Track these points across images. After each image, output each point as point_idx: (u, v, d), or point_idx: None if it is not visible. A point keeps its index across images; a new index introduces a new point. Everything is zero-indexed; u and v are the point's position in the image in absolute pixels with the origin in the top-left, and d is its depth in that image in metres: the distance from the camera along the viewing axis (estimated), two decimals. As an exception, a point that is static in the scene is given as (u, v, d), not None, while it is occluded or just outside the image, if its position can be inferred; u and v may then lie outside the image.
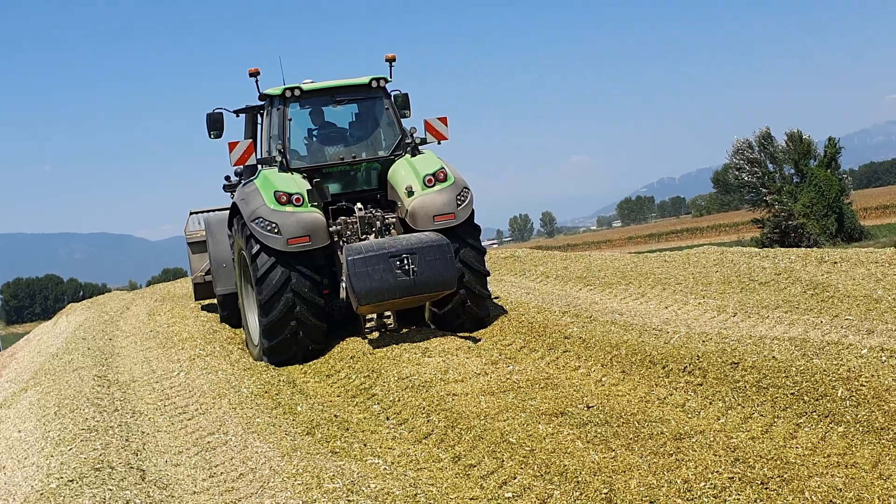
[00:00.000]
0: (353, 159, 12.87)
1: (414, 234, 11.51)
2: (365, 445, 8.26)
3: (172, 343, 13.85)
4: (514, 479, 6.93)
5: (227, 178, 14.61)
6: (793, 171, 56.41)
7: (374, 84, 12.89)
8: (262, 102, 13.58)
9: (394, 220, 12.46)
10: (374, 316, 12.37)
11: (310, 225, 11.74)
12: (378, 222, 12.33)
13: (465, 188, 12.28)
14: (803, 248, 17.22)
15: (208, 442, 8.61)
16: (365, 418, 9.25)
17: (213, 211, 16.74)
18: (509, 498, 6.60)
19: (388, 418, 9.18)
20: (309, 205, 11.91)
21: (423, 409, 9.02)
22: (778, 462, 6.38)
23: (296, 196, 11.83)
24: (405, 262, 10.91)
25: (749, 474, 6.21)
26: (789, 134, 56.74)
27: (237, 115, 14.20)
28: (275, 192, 11.80)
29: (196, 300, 17.55)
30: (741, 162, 57.69)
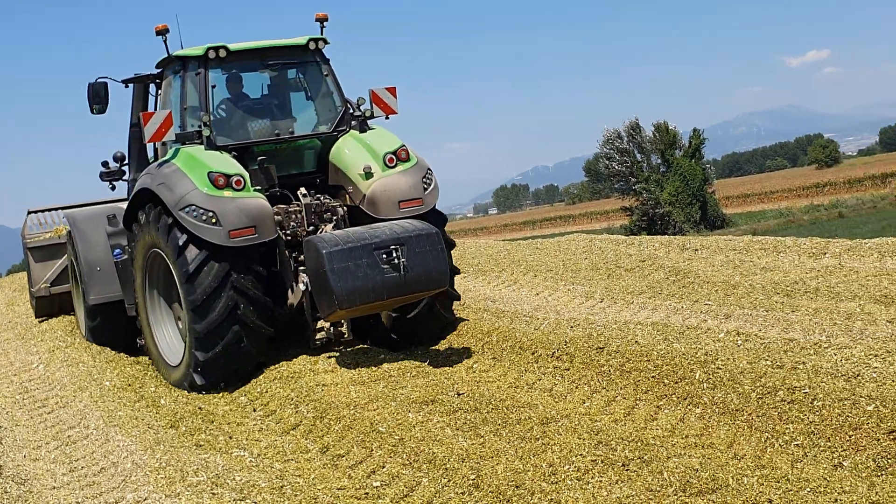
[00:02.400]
0: (290, 135, 10.76)
1: (395, 222, 9.57)
2: (230, 438, 8.13)
3: (31, 334, 13.39)
4: (383, 468, 6.93)
5: (105, 163, 11.98)
6: (660, 160, 58.05)
7: (313, 45, 10.82)
8: (158, 70, 11.31)
9: (342, 209, 10.55)
10: (326, 325, 10.28)
11: (255, 213, 9.63)
12: (330, 212, 10.46)
13: (429, 170, 10.50)
14: (667, 236, 17.76)
15: (69, 436, 8.40)
16: (231, 410, 9.10)
17: (57, 209, 14.93)
18: (377, 487, 6.60)
19: (254, 410, 9.06)
20: (251, 189, 9.86)
21: (292, 399, 8.93)
22: (638, 444, 6.55)
23: (236, 178, 9.69)
24: (393, 254, 8.95)
25: (611, 456, 6.36)
26: (656, 125, 58.37)
27: (126, 86, 11.71)
28: (209, 173, 9.62)
29: (37, 317, 14.47)
30: (611, 151, 59.08)
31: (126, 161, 11.89)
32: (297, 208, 10.38)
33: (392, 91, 10.82)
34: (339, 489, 6.68)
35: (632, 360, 8.24)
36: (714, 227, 53.34)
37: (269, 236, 9.75)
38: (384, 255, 8.92)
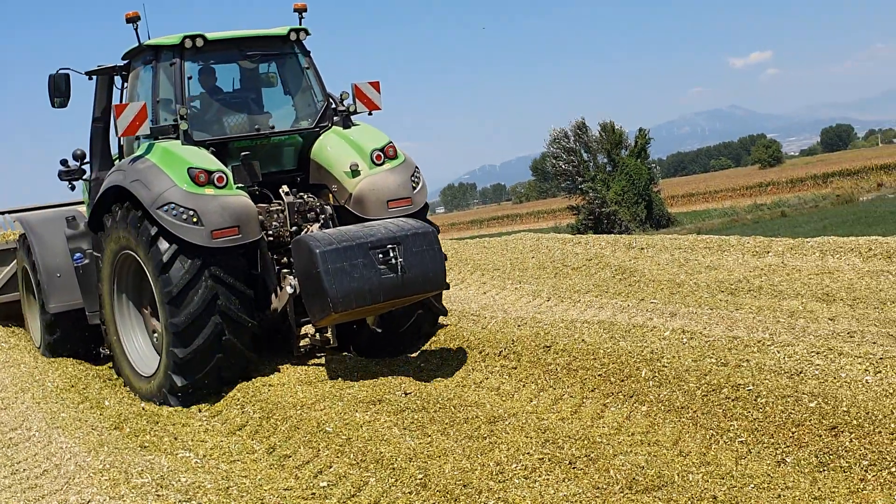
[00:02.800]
0: (270, 131, 10.08)
1: (389, 220, 9.08)
2: (176, 439, 8.03)
3: (-30, 336, 13.06)
4: (330, 468, 6.89)
5: (65, 162, 11.13)
6: (606, 160, 58.47)
7: (294, 36, 10.19)
8: (125, 62, 10.55)
9: (330, 207, 9.98)
10: (311, 332, 9.93)
11: (239, 212, 8.99)
12: (314, 211, 9.90)
13: (417, 168, 9.99)
14: (613, 235, 17.91)
15: (10, 438, 8.29)
16: (176, 411, 8.99)
17: (3, 213, 14.33)
18: (324, 487, 6.56)
19: (200, 410, 8.97)
20: (234, 187, 9.22)
21: (238, 399, 8.85)
22: (585, 442, 6.59)
23: (217, 175, 9.03)
24: (390, 254, 8.41)
25: (558, 454, 6.39)
26: (603, 125, 58.74)
27: (89, 78, 10.84)
28: (189, 169, 8.96)
29: None
30: (558, 151, 59.33)
31: (86, 159, 11.12)
32: (280, 208, 9.85)
33: (375, 85, 10.34)
34: (285, 490, 6.63)
35: (578, 359, 8.29)
36: (659, 227, 53.86)
37: (254, 237, 9.13)
38: (380, 255, 8.39)
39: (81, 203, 13.09)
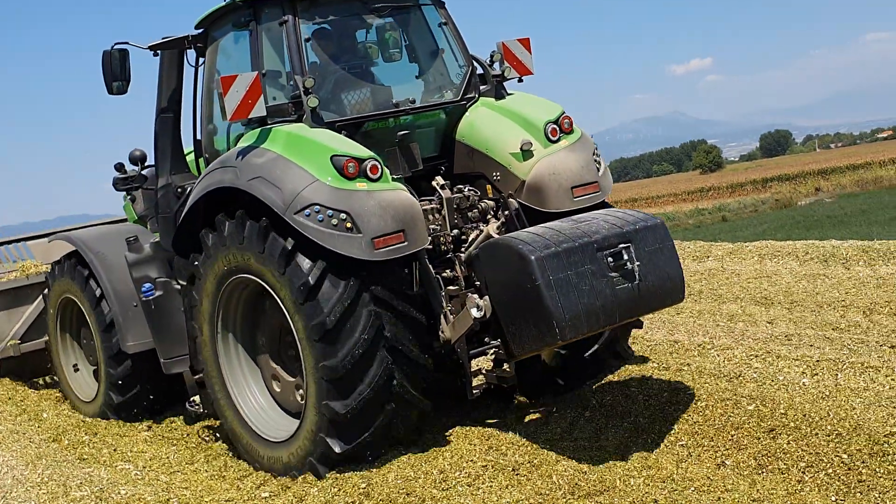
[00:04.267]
0: (411, 106, 7.68)
1: (607, 211, 7.02)
2: (115, 450, 7.93)
3: None
4: (272, 478, 6.84)
5: (120, 166, 8.80)
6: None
7: None
8: (199, 31, 8.17)
9: (513, 201, 7.53)
10: (487, 367, 7.60)
11: (403, 212, 6.64)
12: (476, 208, 7.67)
13: (595, 144, 7.83)
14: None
15: (-55, 453, 8.05)
16: (115, 422, 8.87)
17: (19, 241, 12.09)
18: (266, 498, 6.50)
19: (141, 421, 8.86)
20: (389, 177, 6.89)
21: (178, 410, 8.75)
22: (529, 448, 6.62)
23: (371, 164, 6.67)
24: (623, 257, 6.33)
25: (501, 461, 6.40)
26: (546, 130, 59.17)
27: (154, 54, 8.35)
28: (333, 157, 6.63)
29: None
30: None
31: (144, 164, 8.82)
32: (436, 206, 7.52)
33: (525, 43, 8.10)
34: (227, 501, 6.57)
35: (522, 365, 8.30)
36: (603, 231, 54.28)
37: (422, 244, 6.75)
38: (610, 260, 6.29)
39: (107, 222, 11.30)
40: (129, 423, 8.80)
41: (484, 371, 7.48)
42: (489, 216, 7.60)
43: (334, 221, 6.41)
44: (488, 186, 7.66)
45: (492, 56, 8.01)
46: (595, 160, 7.57)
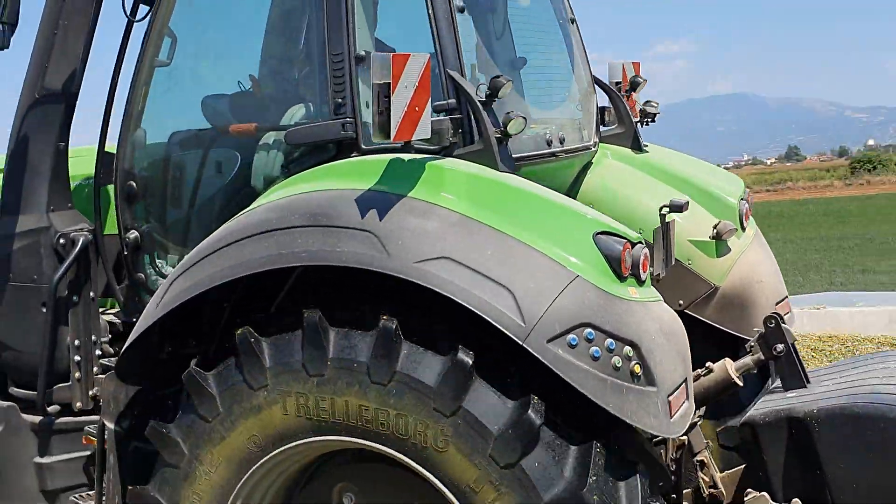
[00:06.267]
0: (561, 147, 4.42)
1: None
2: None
3: None
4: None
5: None
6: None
7: None
8: None
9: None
10: None
11: (685, 346, 3.51)
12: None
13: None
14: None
15: None
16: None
17: None
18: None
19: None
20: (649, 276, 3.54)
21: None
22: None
23: (644, 253, 3.39)
24: None
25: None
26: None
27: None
28: (598, 234, 3.34)
29: None
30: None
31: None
32: None
33: (636, 67, 5.28)
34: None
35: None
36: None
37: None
38: None
39: None
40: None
41: None
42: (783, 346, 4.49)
43: (616, 362, 3.18)
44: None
45: (637, 80, 5.24)
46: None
